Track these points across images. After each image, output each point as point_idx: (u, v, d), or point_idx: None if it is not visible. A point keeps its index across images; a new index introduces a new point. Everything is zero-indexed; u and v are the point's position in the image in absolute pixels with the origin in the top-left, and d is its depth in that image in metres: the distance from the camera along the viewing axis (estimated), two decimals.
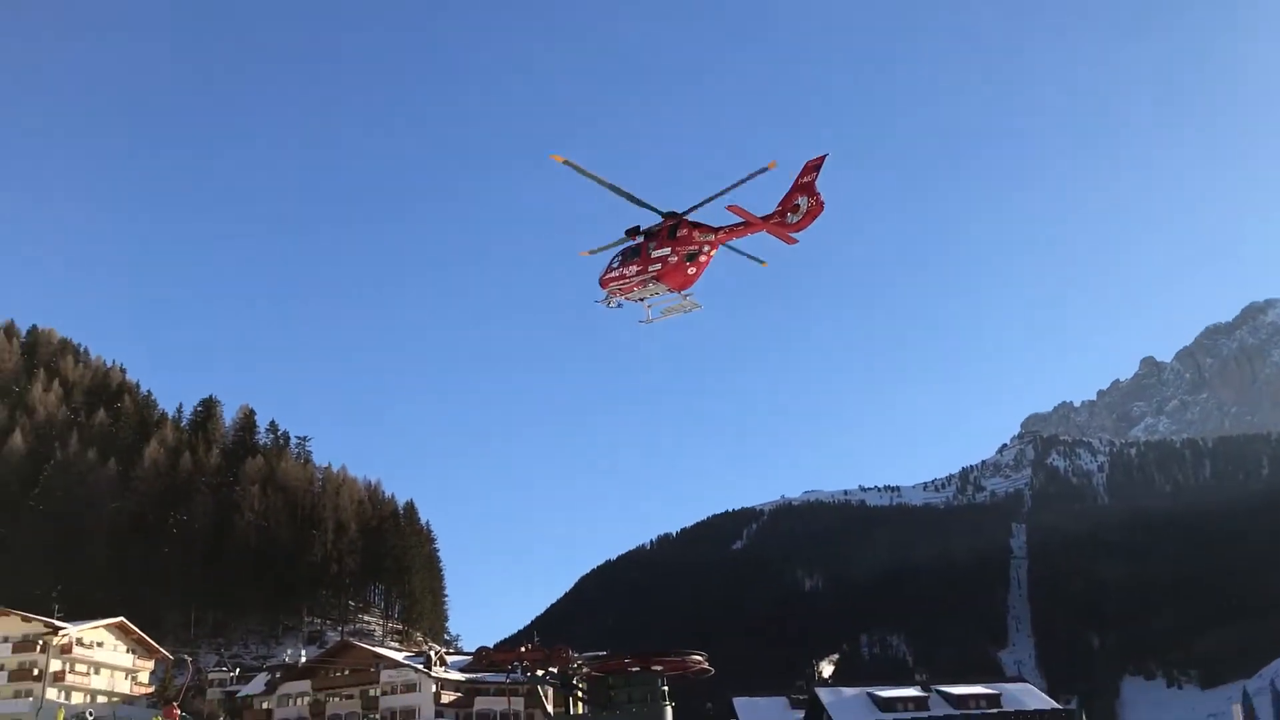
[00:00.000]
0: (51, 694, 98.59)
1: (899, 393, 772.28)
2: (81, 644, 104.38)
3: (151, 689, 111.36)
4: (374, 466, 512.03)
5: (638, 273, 17.50)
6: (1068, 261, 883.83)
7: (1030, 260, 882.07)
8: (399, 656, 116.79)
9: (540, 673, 15.45)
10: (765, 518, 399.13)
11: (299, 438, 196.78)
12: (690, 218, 17.44)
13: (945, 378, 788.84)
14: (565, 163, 16.80)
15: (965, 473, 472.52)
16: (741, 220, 16.28)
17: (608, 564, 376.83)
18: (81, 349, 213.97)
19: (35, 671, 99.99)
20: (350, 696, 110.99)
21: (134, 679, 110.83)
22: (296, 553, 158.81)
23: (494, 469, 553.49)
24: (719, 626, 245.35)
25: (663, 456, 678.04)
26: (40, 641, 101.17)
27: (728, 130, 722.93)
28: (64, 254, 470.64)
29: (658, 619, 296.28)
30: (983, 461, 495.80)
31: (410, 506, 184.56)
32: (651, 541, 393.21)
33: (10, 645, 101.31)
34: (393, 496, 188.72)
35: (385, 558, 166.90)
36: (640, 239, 17.92)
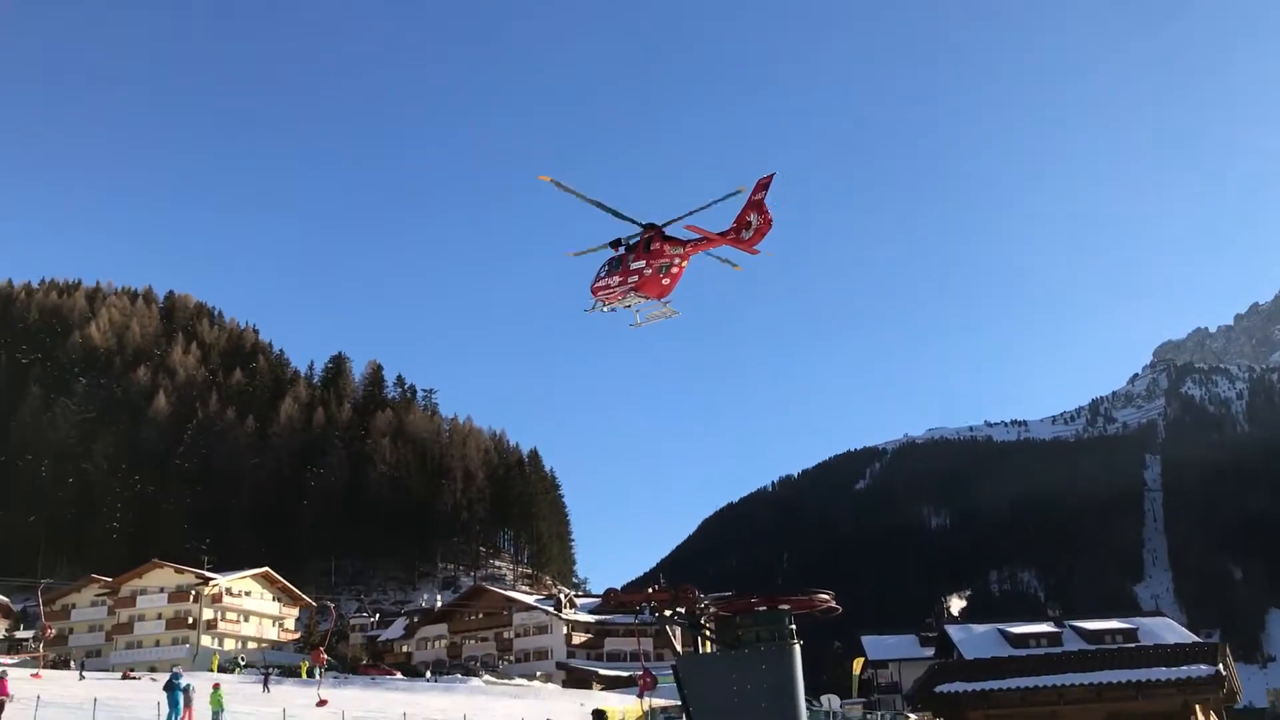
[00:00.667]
0: (205, 640, 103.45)
1: (1023, 325, 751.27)
2: (230, 593, 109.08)
3: (297, 634, 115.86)
4: (498, 417, 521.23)
5: (620, 283, 18.64)
6: (1202, 179, 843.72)
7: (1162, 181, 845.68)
8: (530, 600, 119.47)
9: (668, 613, 15.75)
10: (888, 456, 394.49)
11: (425, 390, 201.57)
12: (667, 231, 18.40)
13: (1072, 307, 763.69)
14: (554, 183, 17.69)
15: (1095, 404, 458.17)
16: (702, 236, 17.84)
17: (729, 506, 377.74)
18: (216, 312, 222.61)
19: (190, 620, 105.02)
20: (485, 639, 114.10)
21: (281, 625, 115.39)
22: (428, 502, 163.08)
23: (614, 414, 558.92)
24: (845, 566, 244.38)
25: (782, 397, 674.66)
26: (193, 592, 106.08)
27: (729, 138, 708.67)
28: (193, 221, 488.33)
29: (781, 560, 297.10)
30: (1113, 392, 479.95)
31: (534, 454, 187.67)
32: (773, 483, 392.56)
33: (166, 596, 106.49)
34: (517, 445, 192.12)
35: (512, 505, 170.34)
36: (621, 250, 18.98)
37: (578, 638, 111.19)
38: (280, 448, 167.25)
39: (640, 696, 29.87)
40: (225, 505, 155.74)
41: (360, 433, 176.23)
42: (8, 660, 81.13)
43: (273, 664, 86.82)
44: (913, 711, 27.71)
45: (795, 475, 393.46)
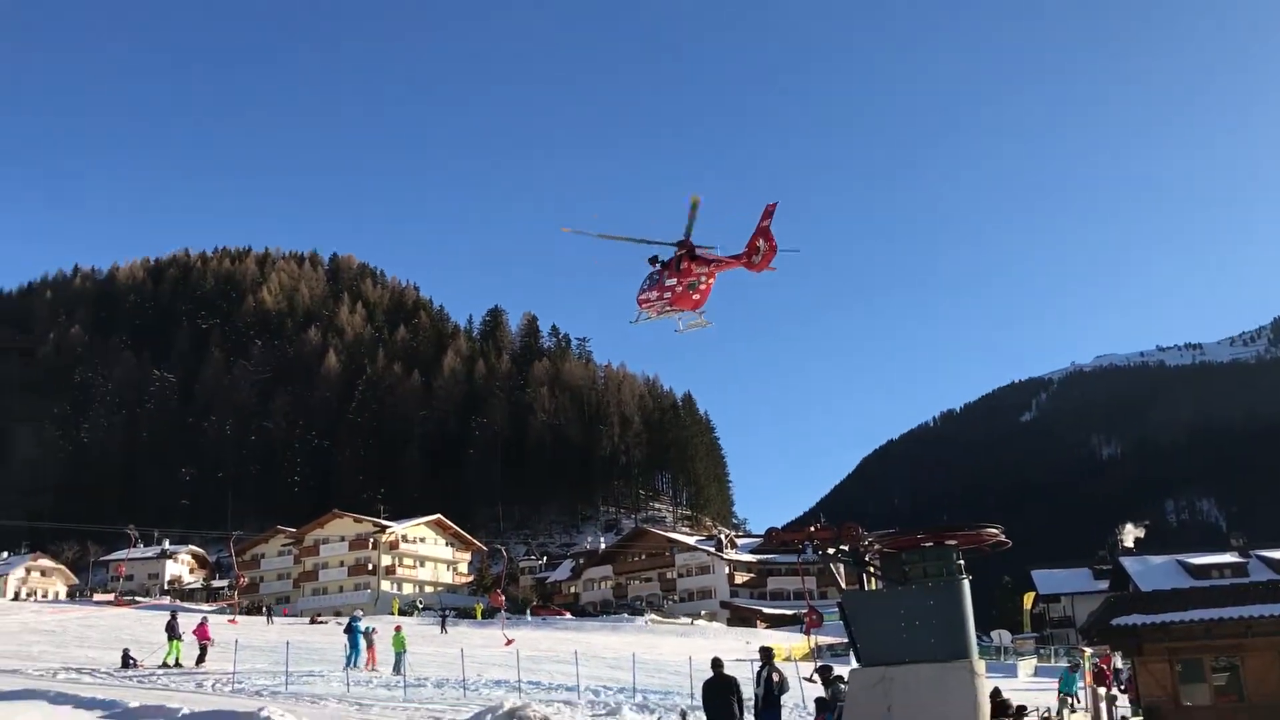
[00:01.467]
0: (385, 585, 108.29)
1: (1194, 242, 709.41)
2: (406, 540, 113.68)
3: (470, 578, 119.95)
4: (650, 363, 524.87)
5: (658, 297, 20.75)
6: None
7: None
8: (690, 541, 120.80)
9: (831, 551, 15.69)
10: (1055, 386, 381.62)
11: (579, 339, 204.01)
12: (697, 252, 20.36)
13: (1247, 220, 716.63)
14: (574, 231, 19.97)
15: (1278, 323, 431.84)
16: (722, 259, 19.97)
17: (890, 443, 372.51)
18: (378, 272, 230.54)
19: (369, 566, 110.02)
20: (648, 579, 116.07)
21: (454, 569, 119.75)
22: (587, 448, 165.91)
23: (768, 355, 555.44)
24: (1012, 500, 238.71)
25: (940, 330, 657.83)
26: (371, 539, 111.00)
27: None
28: (350, 185, 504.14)
29: (946, 495, 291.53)
30: None
31: (688, 398, 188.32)
32: (935, 418, 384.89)
33: (346, 544, 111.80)
34: (670, 390, 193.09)
35: (668, 448, 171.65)
36: (658, 267, 20.94)
37: (740, 577, 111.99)
38: (445, 400, 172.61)
39: (806, 634, 30.01)
40: (396, 457, 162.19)
41: (519, 383, 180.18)
42: (207, 607, 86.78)
43: (449, 606, 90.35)
44: (1088, 645, 26.91)
45: (958, 410, 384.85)
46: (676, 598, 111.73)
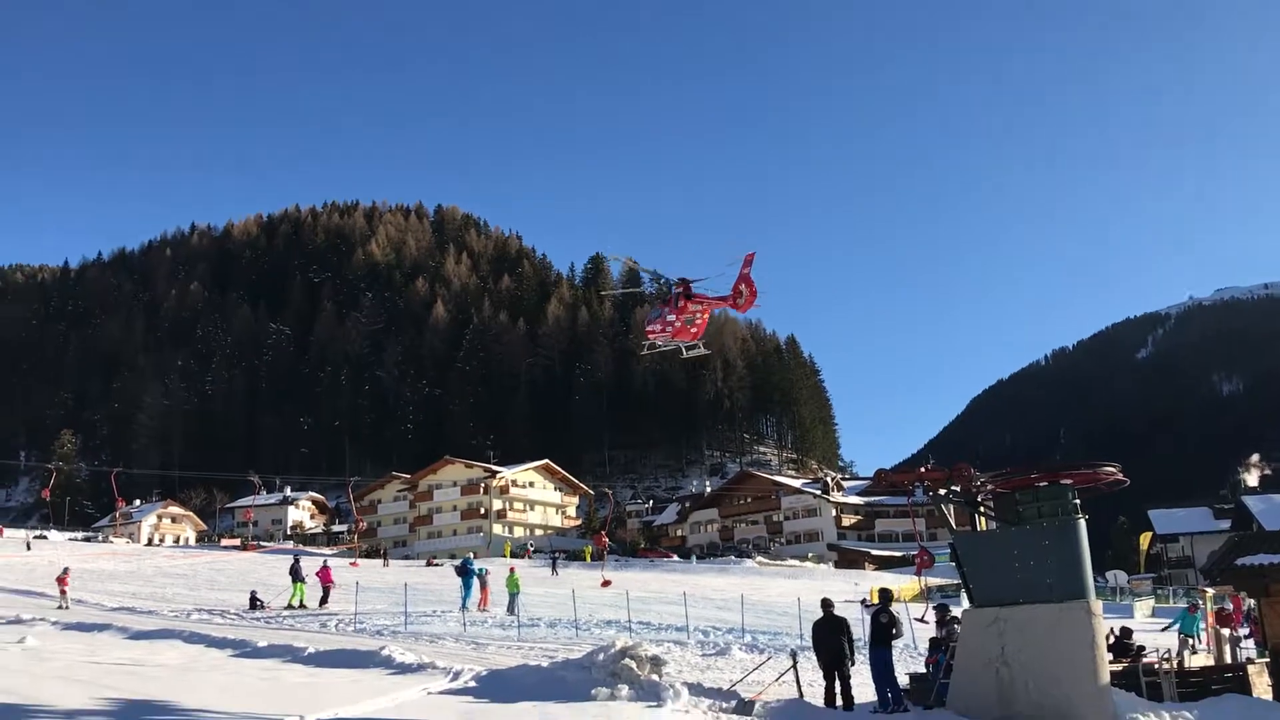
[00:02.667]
0: (496, 529, 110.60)
1: None
2: (516, 485, 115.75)
3: (578, 521, 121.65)
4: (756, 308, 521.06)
5: (661, 330, 23.02)
6: None
7: None
8: (796, 484, 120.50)
9: (942, 492, 15.55)
10: (1172, 322, 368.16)
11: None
12: (694, 290, 22.65)
13: None
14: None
15: None
16: (714, 299, 22.36)
17: (1001, 383, 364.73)
18: (482, 222, 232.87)
19: (481, 510, 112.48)
20: (754, 522, 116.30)
21: (563, 513, 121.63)
22: (690, 392, 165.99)
23: (874, 295, 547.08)
24: (1127, 439, 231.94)
25: (1052, 265, 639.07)
26: (482, 484, 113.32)
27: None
28: (451, 136, 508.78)
29: (1058, 436, 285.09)
30: None
31: (792, 341, 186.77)
32: (1046, 356, 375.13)
33: (459, 489, 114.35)
34: (774, 333, 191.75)
35: (773, 392, 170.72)
36: (660, 304, 23.46)
37: (847, 519, 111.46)
38: (550, 347, 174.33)
39: (918, 575, 29.79)
40: (504, 404, 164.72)
41: (622, 329, 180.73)
42: (328, 551, 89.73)
43: (558, 549, 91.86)
44: (1210, 585, 26.10)
45: (1070, 347, 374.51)
46: (783, 540, 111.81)
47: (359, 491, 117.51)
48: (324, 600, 34.52)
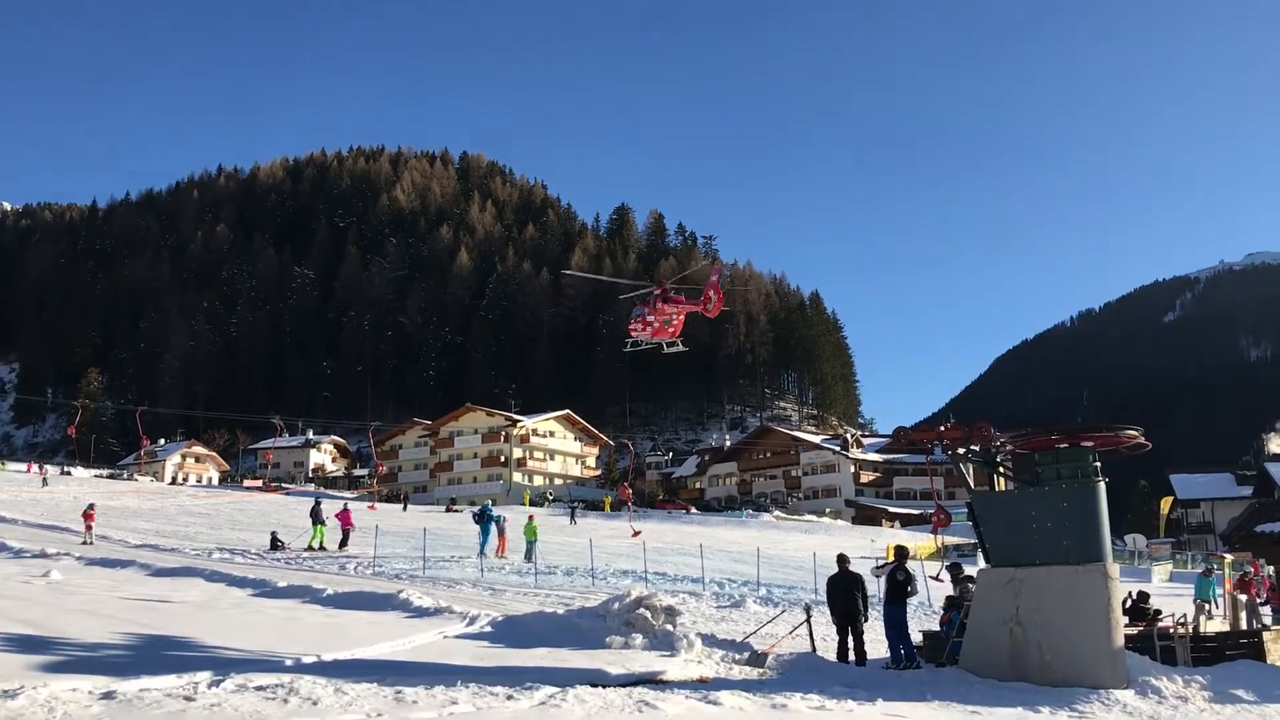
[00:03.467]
0: (516, 477, 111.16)
1: None
2: (536, 434, 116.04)
3: (598, 472, 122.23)
4: (778, 260, 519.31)
5: (641, 329, 24.94)
6: None
7: None
8: (816, 439, 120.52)
9: (961, 451, 15.46)
10: (1201, 286, 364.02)
11: (705, 237, 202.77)
12: (670, 294, 24.99)
13: None
14: (574, 273, 29.64)
15: None
16: (686, 304, 25.07)
17: (1024, 344, 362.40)
18: (507, 170, 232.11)
19: (502, 458, 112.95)
20: (773, 477, 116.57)
21: (583, 464, 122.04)
22: (713, 345, 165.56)
23: (899, 253, 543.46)
24: (1150, 403, 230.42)
25: (1079, 226, 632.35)
26: (503, 433, 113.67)
27: None
28: (478, 83, 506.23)
29: (1081, 398, 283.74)
30: None
31: (815, 297, 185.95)
32: (1072, 318, 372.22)
33: (480, 436, 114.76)
34: (798, 288, 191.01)
35: (795, 347, 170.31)
36: (639, 304, 25.25)
37: (865, 476, 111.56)
38: (573, 297, 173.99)
39: (934, 533, 29.81)
40: (527, 353, 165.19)
41: (646, 280, 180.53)
42: (348, 494, 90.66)
43: (577, 499, 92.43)
44: (1229, 551, 26.07)
45: (1096, 309, 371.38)
46: (801, 495, 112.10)
47: (380, 436, 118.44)
48: (343, 543, 34.90)
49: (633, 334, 25.40)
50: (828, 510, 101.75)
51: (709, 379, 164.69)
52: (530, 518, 38.28)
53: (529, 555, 33.95)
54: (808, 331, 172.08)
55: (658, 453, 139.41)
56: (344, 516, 35.99)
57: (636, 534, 43.88)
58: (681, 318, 25.28)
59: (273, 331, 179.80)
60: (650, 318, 25.10)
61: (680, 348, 25.87)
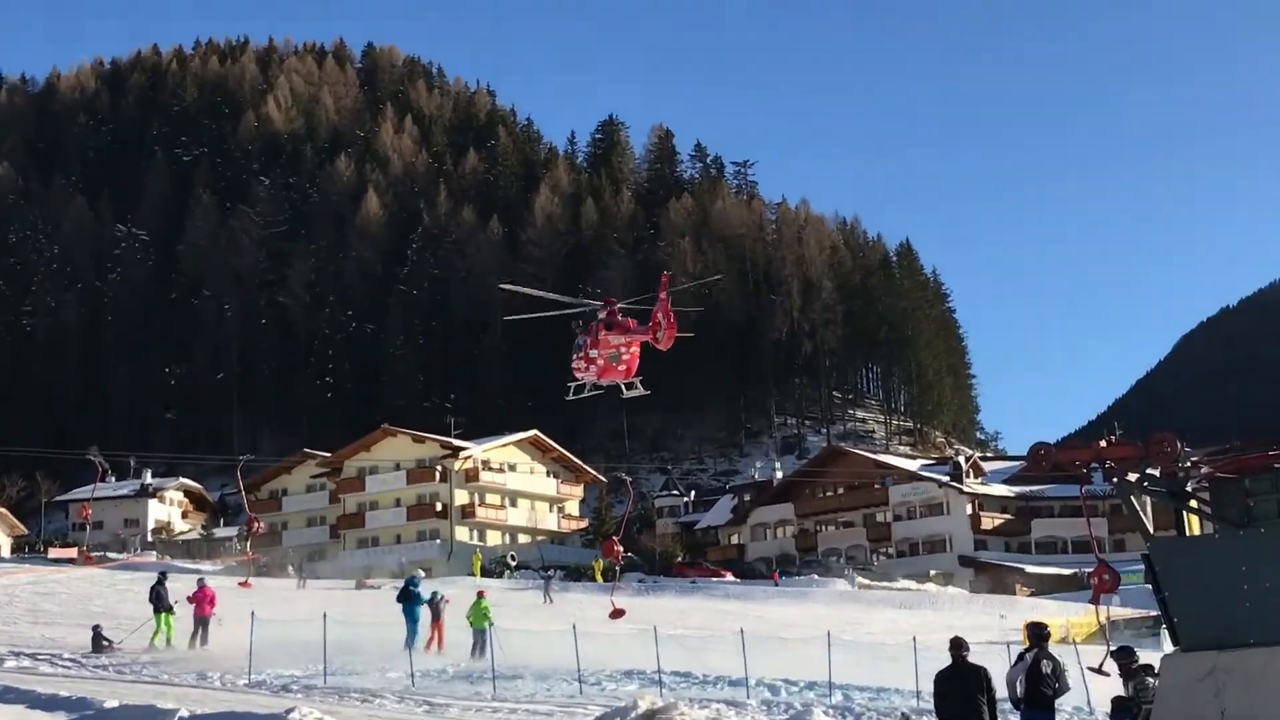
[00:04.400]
0: (461, 534, 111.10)
1: None
2: (489, 467, 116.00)
3: (584, 523, 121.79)
4: (847, 198, 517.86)
5: (586, 367, 27.10)
6: None
7: None
8: (913, 466, 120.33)
9: (1133, 477, 15.45)
10: None
11: (737, 164, 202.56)
12: (618, 317, 26.97)
13: None
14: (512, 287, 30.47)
15: None
16: (637, 333, 26.43)
17: (1225, 312, 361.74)
18: (434, 70, 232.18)
19: (438, 506, 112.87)
20: (849, 524, 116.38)
21: (560, 510, 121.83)
22: (752, 328, 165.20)
23: (1028, 205, 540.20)
24: None
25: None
26: (438, 467, 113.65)
27: None
28: None
29: None
30: None
31: (907, 249, 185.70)
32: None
33: (405, 474, 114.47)
34: (879, 238, 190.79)
35: (877, 326, 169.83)
36: (579, 334, 27.50)
37: (989, 520, 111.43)
38: (539, 259, 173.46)
39: (1095, 603, 29.47)
40: (470, 345, 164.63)
41: (647, 230, 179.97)
42: (208, 566, 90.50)
43: (554, 564, 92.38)
44: None
45: None
46: (892, 551, 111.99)
47: (253, 479, 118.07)
48: (200, 637, 34.96)
49: (577, 374, 27.60)
50: (933, 572, 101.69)
51: (747, 378, 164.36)
52: (480, 594, 38.26)
53: (479, 649, 34.10)
54: (895, 303, 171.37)
55: (673, 492, 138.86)
56: (200, 598, 36.01)
57: (618, 614, 43.69)
58: (635, 350, 27.27)
59: (88, 322, 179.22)
60: (593, 353, 27.13)
61: (639, 390, 28.14)
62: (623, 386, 27.63)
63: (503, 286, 45.50)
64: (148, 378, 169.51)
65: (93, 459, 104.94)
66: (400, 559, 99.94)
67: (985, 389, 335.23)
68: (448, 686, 28.51)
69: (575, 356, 27.26)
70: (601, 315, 27.06)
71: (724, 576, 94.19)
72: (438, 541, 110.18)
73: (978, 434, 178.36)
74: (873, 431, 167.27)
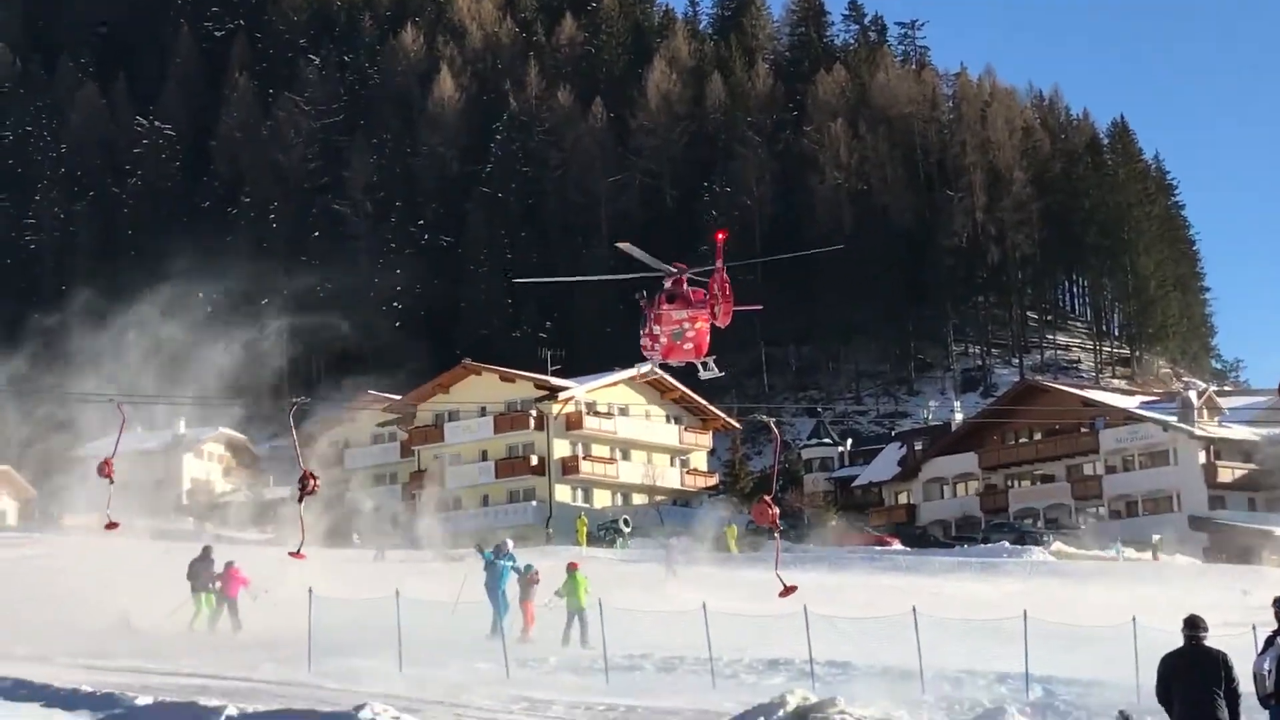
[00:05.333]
0: (561, 493, 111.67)
1: None
2: (595, 411, 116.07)
3: (713, 478, 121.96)
4: (1042, 66, 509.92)
5: (652, 345, 28.20)
6: None
7: None
8: (1130, 404, 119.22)
9: None
10: None
11: (902, 25, 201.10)
12: (683, 289, 27.83)
13: None
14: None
15: None
16: (697, 308, 27.48)
17: None
18: None
19: (532, 460, 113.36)
20: (1048, 477, 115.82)
21: (683, 463, 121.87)
22: (924, 233, 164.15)
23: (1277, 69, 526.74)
24: None
25: None
26: (533, 412, 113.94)
27: None
28: None
29: None
30: None
31: (1121, 129, 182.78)
32: None
33: (491, 420, 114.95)
34: (1084, 115, 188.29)
35: (1084, 227, 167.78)
36: (645, 307, 28.27)
37: (1227, 471, 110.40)
38: (652, 151, 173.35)
39: None
40: (571, 262, 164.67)
41: (789, 112, 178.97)
42: (252, 534, 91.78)
43: (677, 529, 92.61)
44: None
45: None
46: (1104, 511, 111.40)
47: (310, 427, 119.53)
48: (233, 622, 35.69)
49: (646, 352, 29.03)
50: (1156, 536, 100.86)
51: (918, 297, 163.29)
52: (571, 567, 37.83)
53: (579, 635, 34.33)
54: (1107, 196, 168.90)
55: (823, 440, 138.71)
56: (228, 577, 36.64)
57: (787, 591, 43.73)
58: (701, 325, 28.06)
59: (102, 235, 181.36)
60: (656, 329, 27.90)
61: (715, 371, 29.40)
62: (698, 366, 28.71)
63: (619, 245, 39.79)
64: None
65: (115, 402, 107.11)
66: (485, 526, 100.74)
67: (1223, 306, 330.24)
68: (552, 678, 28.81)
69: (642, 333, 28.08)
70: (667, 284, 27.78)
71: (889, 543, 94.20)
72: (533, 504, 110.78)
73: (1213, 363, 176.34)
74: (1078, 361, 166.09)
